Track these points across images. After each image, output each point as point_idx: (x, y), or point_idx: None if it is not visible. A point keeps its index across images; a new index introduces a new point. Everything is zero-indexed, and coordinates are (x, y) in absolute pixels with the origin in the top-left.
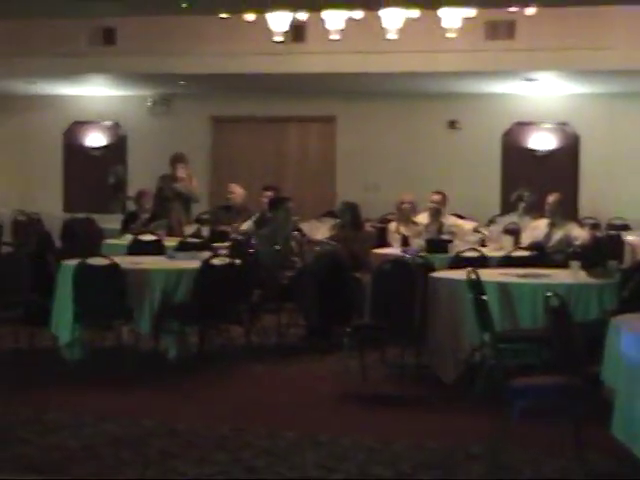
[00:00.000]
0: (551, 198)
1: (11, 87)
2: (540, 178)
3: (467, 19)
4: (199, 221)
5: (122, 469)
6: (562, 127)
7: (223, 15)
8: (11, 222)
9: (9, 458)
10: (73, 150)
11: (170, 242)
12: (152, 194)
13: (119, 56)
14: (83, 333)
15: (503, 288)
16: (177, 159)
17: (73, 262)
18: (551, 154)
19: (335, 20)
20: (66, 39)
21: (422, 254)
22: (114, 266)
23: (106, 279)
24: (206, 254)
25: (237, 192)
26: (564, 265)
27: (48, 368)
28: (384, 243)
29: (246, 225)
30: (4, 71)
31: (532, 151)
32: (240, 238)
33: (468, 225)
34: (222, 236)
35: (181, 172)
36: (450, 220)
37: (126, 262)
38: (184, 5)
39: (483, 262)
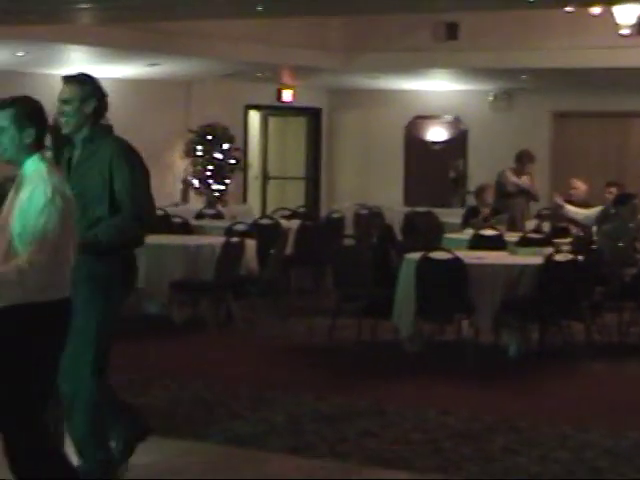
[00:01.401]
0: None
1: (354, 82)
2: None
3: None
4: (539, 217)
5: (464, 464)
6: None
7: (568, 9)
8: (353, 215)
9: (352, 449)
10: (414, 144)
11: (511, 237)
12: (493, 189)
13: (462, 51)
14: (424, 326)
15: None
16: (526, 157)
17: (415, 256)
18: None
19: None
20: (409, 34)
21: None
22: (456, 260)
23: (448, 273)
24: (548, 250)
25: (580, 187)
26: None
27: (389, 360)
28: None
29: (583, 215)
30: (347, 66)
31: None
32: (581, 234)
33: None
34: (563, 232)
35: (527, 170)
36: None
37: (468, 256)
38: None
39: None
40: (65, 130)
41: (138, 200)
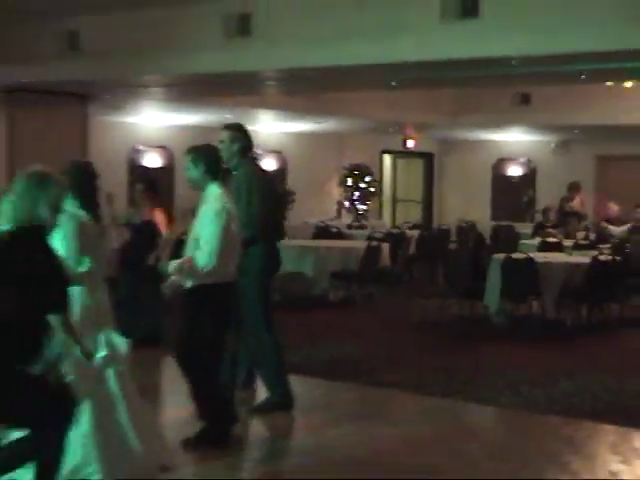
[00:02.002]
0: None
1: (457, 134)
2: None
3: None
4: (587, 229)
5: (535, 403)
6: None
7: (608, 83)
8: (456, 227)
9: (459, 389)
10: (498, 178)
11: (567, 243)
12: (555, 210)
13: (532, 113)
14: (506, 305)
15: None
16: (575, 187)
17: (500, 256)
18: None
19: None
20: (495, 101)
21: None
22: (529, 259)
23: (523, 268)
24: (593, 252)
25: (613, 208)
26: None
27: (481, 329)
28: None
29: (619, 231)
30: (452, 123)
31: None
32: (617, 241)
33: None
34: (605, 240)
35: (576, 196)
36: None
37: (537, 256)
38: None
39: None
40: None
41: (250, 216)
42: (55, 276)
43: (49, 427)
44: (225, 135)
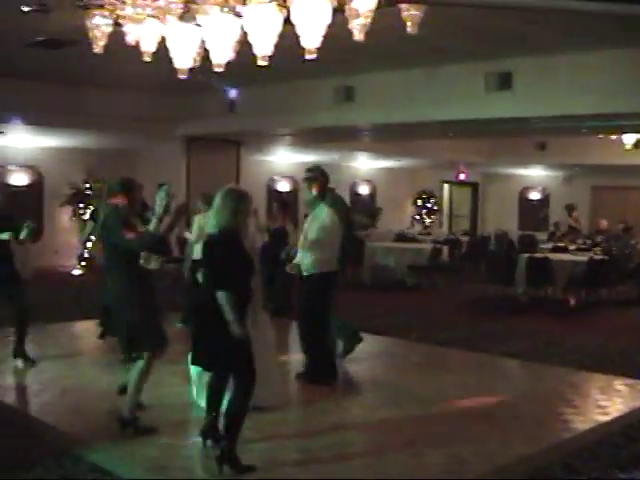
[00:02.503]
0: None
1: (494, 170)
2: None
3: None
4: (587, 237)
5: (550, 356)
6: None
7: (600, 136)
8: (494, 235)
9: (497, 348)
10: (523, 200)
11: (571, 247)
12: (563, 224)
13: (547, 156)
14: (529, 289)
15: None
16: (569, 207)
17: (525, 255)
18: None
19: None
20: (519, 148)
21: None
22: (545, 258)
23: (541, 263)
24: (590, 253)
25: (603, 223)
26: None
27: (511, 305)
28: None
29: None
30: (490, 162)
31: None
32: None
33: None
34: (597, 245)
35: (573, 213)
36: None
37: (550, 255)
38: None
39: None
40: (308, 194)
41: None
42: (248, 265)
43: (248, 374)
44: (307, 174)
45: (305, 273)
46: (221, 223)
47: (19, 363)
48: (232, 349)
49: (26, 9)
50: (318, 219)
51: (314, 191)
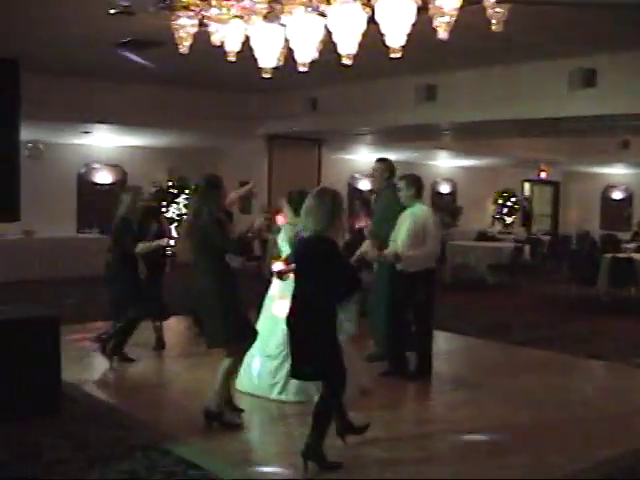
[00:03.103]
0: None
1: (575, 169)
2: None
3: None
4: None
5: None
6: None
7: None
8: (575, 234)
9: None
10: (606, 199)
11: None
12: None
13: (634, 154)
14: (611, 290)
15: None
16: None
17: (608, 255)
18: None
19: None
20: (601, 145)
21: None
22: (629, 258)
23: (624, 263)
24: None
25: None
26: None
27: (592, 305)
28: None
29: None
30: (570, 162)
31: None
32: None
33: None
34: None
35: None
36: None
37: (634, 256)
38: None
39: None
40: (373, 187)
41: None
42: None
43: (341, 376)
44: (376, 166)
45: (411, 269)
46: (318, 226)
47: (114, 361)
48: (335, 355)
49: (112, 11)
50: (417, 216)
51: (412, 190)
